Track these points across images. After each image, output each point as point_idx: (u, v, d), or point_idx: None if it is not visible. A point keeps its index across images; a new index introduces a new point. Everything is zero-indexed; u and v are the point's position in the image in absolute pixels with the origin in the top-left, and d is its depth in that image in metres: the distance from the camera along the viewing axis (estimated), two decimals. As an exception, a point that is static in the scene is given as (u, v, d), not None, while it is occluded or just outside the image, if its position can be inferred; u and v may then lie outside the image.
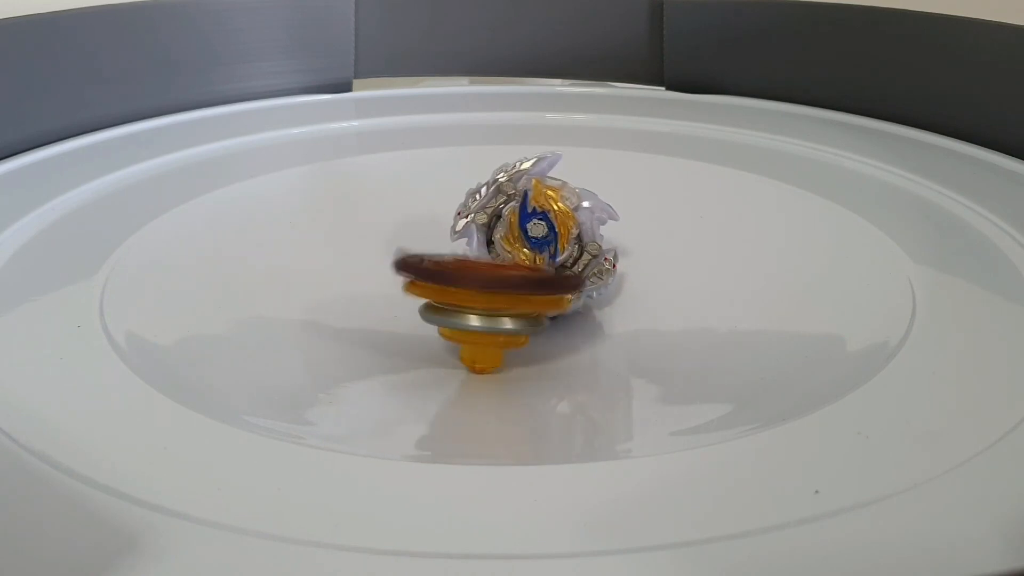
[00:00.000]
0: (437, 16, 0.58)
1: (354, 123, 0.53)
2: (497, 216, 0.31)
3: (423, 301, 0.27)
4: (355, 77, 0.57)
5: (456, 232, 0.31)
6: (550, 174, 0.32)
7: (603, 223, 0.31)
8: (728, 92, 0.55)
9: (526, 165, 0.31)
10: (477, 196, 0.31)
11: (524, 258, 0.30)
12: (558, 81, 0.60)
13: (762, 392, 0.27)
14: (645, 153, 0.46)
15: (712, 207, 0.41)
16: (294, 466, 0.22)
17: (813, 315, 0.31)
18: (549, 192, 0.31)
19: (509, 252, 0.30)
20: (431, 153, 0.47)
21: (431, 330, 0.28)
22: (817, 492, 0.21)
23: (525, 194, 0.30)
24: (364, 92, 0.57)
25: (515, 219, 0.30)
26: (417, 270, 0.26)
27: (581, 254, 0.30)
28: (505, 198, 0.31)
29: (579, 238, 0.30)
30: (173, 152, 0.44)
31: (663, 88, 0.57)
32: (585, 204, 0.31)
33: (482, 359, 0.28)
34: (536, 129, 0.51)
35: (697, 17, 0.55)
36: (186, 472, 0.22)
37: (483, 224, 0.31)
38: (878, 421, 0.24)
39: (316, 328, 0.31)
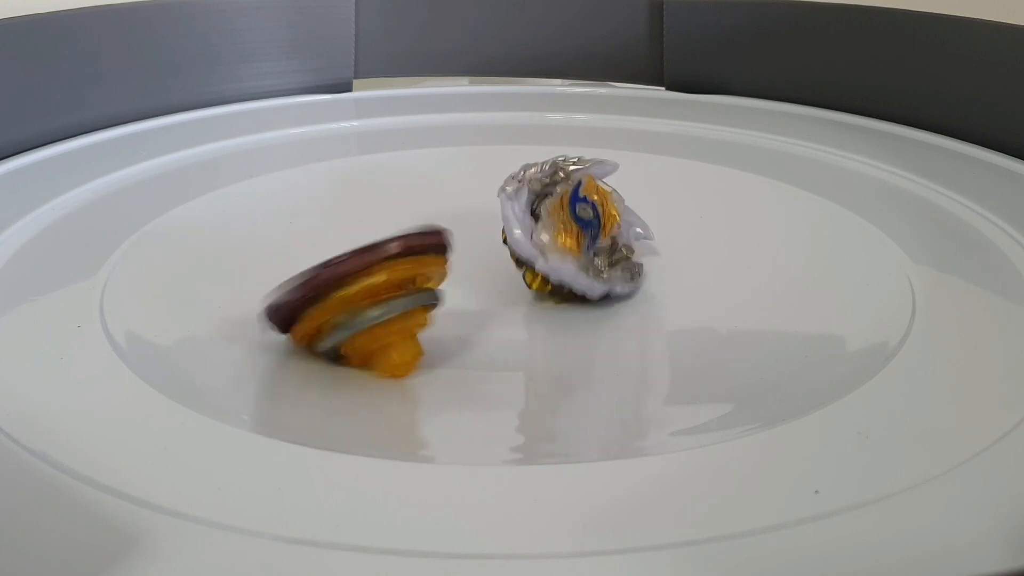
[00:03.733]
0: (437, 16, 0.58)
1: (354, 123, 0.53)
2: (547, 195, 0.31)
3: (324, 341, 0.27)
4: (355, 77, 0.57)
5: (506, 190, 0.31)
6: (605, 176, 0.33)
7: (637, 239, 0.33)
8: (728, 92, 0.55)
9: (585, 163, 0.32)
10: (533, 169, 0.32)
11: (567, 231, 0.31)
12: (558, 81, 0.60)
13: (762, 392, 0.27)
14: (645, 153, 0.46)
15: (712, 207, 0.40)
16: (294, 466, 0.22)
17: (813, 315, 0.31)
18: (601, 190, 0.32)
19: (553, 219, 0.31)
20: (431, 153, 0.47)
21: (431, 331, 0.28)
22: (817, 492, 0.21)
23: (579, 182, 0.31)
24: (364, 92, 0.57)
25: (567, 197, 0.31)
26: (286, 307, 0.26)
27: (616, 249, 0.32)
28: (561, 179, 0.32)
29: (614, 240, 0.32)
30: (173, 152, 0.44)
31: (663, 88, 0.57)
32: (628, 216, 0.33)
33: (400, 355, 0.27)
34: (536, 129, 0.51)
35: (697, 17, 0.55)
36: (186, 472, 0.22)
37: (534, 191, 0.31)
38: (878, 421, 0.24)
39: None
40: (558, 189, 0.31)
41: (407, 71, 0.58)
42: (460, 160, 0.46)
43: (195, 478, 0.21)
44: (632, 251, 0.32)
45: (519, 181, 0.31)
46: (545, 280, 0.30)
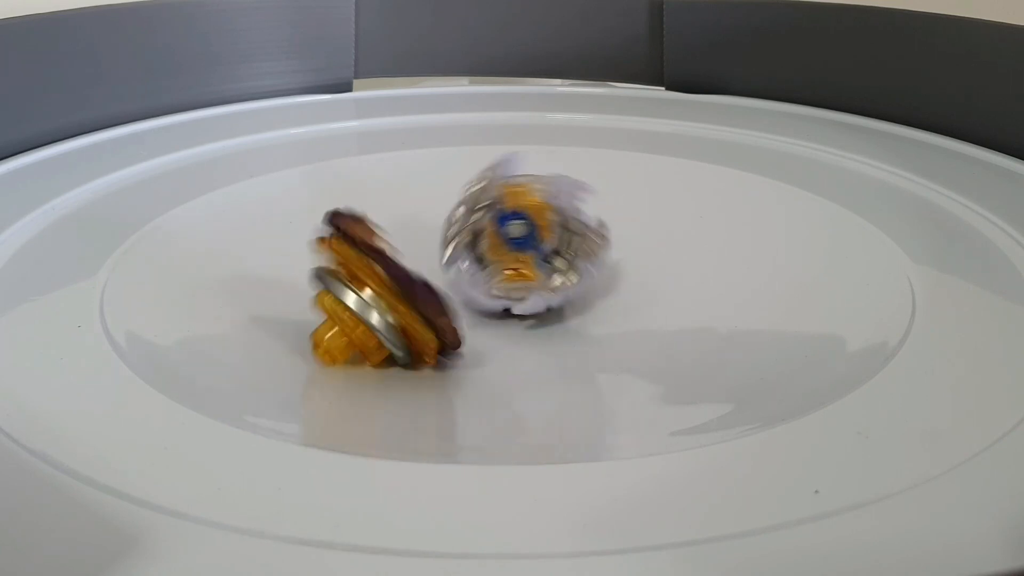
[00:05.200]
0: (437, 16, 0.58)
1: (354, 123, 0.53)
2: (479, 232, 0.31)
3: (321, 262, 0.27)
4: (355, 77, 0.57)
5: (446, 261, 0.31)
6: (517, 172, 0.32)
7: (581, 200, 0.31)
8: (728, 92, 0.55)
9: (490, 172, 0.32)
10: (455, 220, 0.31)
11: (518, 262, 0.30)
12: (558, 81, 0.60)
13: (762, 392, 0.27)
14: (645, 153, 0.46)
15: (712, 207, 0.40)
16: (294, 466, 0.22)
17: (813, 315, 0.31)
18: (518, 190, 0.31)
19: (498, 260, 0.30)
20: (431, 153, 0.47)
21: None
22: (817, 492, 0.21)
23: (498, 201, 0.31)
24: (364, 92, 0.57)
25: (493, 227, 0.31)
26: (348, 227, 0.26)
27: (571, 240, 0.31)
28: (481, 212, 0.31)
29: (563, 224, 0.31)
30: (173, 152, 0.44)
31: (663, 88, 0.57)
32: (557, 189, 0.31)
33: (332, 344, 0.27)
34: (536, 129, 0.51)
35: (697, 17, 0.55)
36: (186, 472, 0.22)
37: (468, 243, 0.31)
38: (878, 421, 0.24)
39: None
40: (484, 223, 0.31)
41: (407, 71, 0.58)
42: (460, 160, 0.46)
43: (195, 478, 0.21)
44: (582, 225, 0.31)
45: (450, 241, 0.31)
46: None
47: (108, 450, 0.22)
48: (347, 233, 0.27)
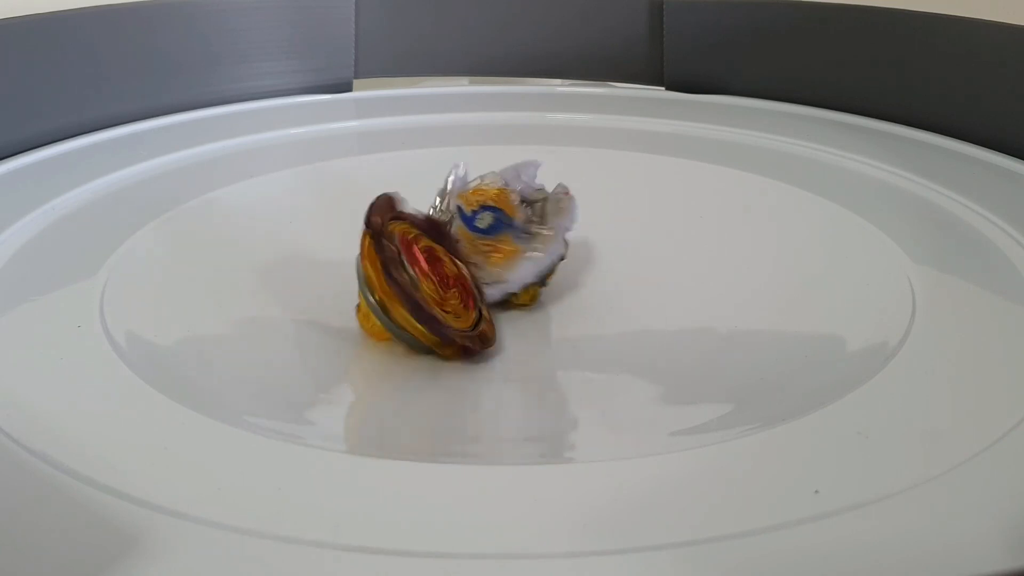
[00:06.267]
0: (437, 16, 0.58)
1: (354, 123, 0.53)
2: (456, 241, 0.32)
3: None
4: (355, 77, 0.57)
5: None
6: (468, 179, 0.33)
7: (533, 177, 0.32)
8: (728, 92, 0.55)
9: (449, 187, 0.33)
10: None
11: (497, 244, 0.31)
12: (558, 81, 0.60)
13: (762, 392, 0.27)
14: (645, 153, 0.46)
15: (712, 207, 0.41)
16: (294, 466, 0.22)
17: (813, 315, 0.31)
18: (474, 191, 0.32)
19: (478, 253, 0.31)
20: (431, 153, 0.47)
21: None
22: (817, 492, 0.21)
23: (459, 208, 0.32)
24: (364, 92, 0.57)
25: (463, 230, 0.31)
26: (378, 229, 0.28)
27: (539, 207, 0.32)
28: (450, 225, 0.32)
29: (525, 199, 0.32)
30: (173, 152, 0.44)
31: (663, 88, 0.57)
32: (508, 175, 0.32)
33: (369, 323, 0.29)
34: (536, 129, 0.51)
35: (697, 17, 0.55)
36: (186, 472, 0.22)
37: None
38: (878, 421, 0.24)
39: (316, 328, 0.31)
40: (454, 231, 0.32)
41: (407, 71, 0.58)
42: (460, 160, 0.46)
43: (195, 478, 0.21)
44: (543, 191, 0.32)
45: None
46: (526, 292, 0.31)
47: (108, 450, 0.22)
48: (377, 235, 0.28)
